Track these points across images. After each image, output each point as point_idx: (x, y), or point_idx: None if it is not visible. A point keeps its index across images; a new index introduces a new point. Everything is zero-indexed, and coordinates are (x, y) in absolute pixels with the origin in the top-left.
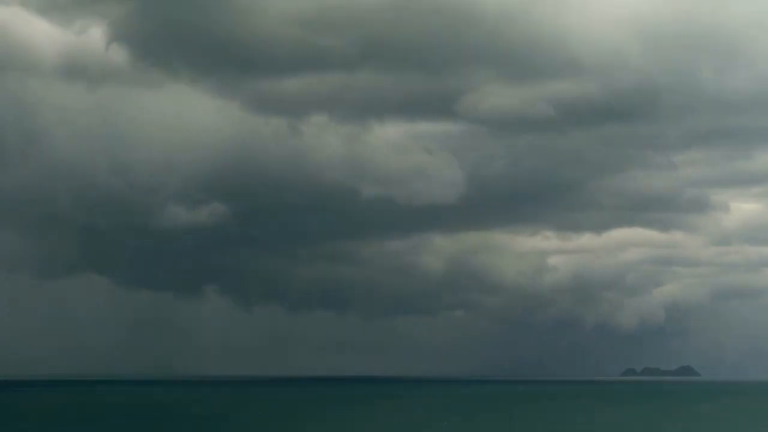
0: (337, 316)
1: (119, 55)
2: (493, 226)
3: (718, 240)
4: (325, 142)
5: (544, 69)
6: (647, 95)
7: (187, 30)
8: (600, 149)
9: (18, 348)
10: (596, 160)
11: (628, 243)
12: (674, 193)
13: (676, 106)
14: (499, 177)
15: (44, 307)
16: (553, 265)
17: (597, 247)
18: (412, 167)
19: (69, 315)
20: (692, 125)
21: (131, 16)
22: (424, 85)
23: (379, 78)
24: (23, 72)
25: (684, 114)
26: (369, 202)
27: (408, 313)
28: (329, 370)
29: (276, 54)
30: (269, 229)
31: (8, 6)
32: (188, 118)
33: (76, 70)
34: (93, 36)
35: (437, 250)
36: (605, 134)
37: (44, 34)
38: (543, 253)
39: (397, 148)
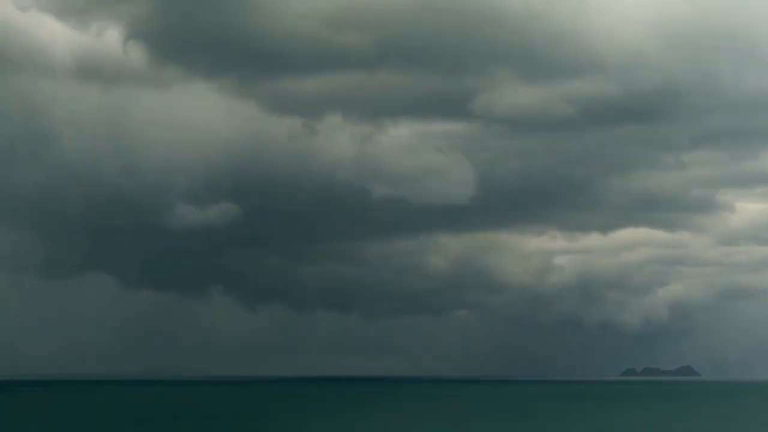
0: (341, 316)
1: (136, 54)
2: (501, 226)
3: (724, 240)
4: (338, 142)
5: (563, 68)
6: (667, 95)
7: (205, 29)
8: (615, 149)
9: (24, 348)
10: (609, 159)
11: (634, 243)
12: (681, 193)
13: (693, 106)
14: (510, 177)
15: (51, 306)
16: (559, 265)
17: (603, 247)
18: (423, 167)
19: (75, 314)
20: (707, 125)
21: (148, 15)
22: (441, 85)
23: (396, 77)
24: (39, 73)
25: (701, 114)
26: (379, 202)
27: (413, 312)
28: (333, 369)
29: (294, 53)
30: (278, 229)
31: (26, 11)
32: (202, 118)
33: (92, 71)
34: (109, 38)
35: (444, 250)
36: (622, 134)
37: (61, 37)
38: (549, 253)
39: (410, 149)
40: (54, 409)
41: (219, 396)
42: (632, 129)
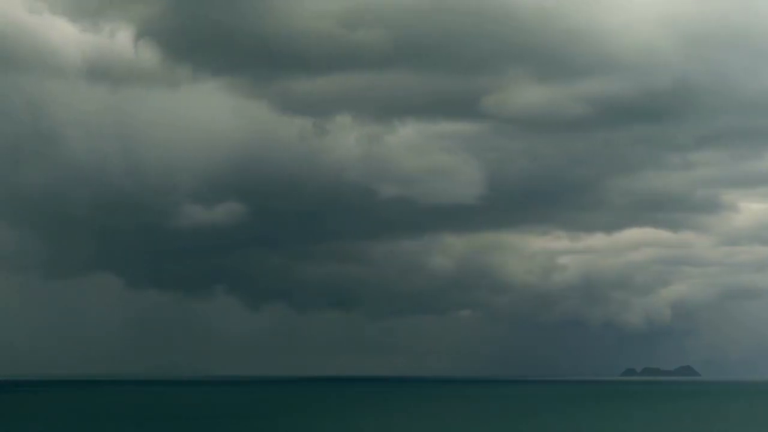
0: (345, 316)
1: (148, 54)
2: (507, 225)
3: (727, 240)
4: (346, 142)
5: (575, 67)
6: (678, 95)
7: (218, 28)
8: (623, 149)
9: (28, 348)
10: (616, 159)
11: (638, 243)
12: (686, 193)
13: (703, 105)
14: (518, 177)
15: (56, 306)
16: (562, 265)
17: (607, 247)
18: (431, 167)
19: (80, 314)
20: (716, 125)
21: (161, 14)
22: (452, 85)
23: (407, 77)
24: (49, 75)
25: (710, 114)
26: (386, 203)
27: (416, 312)
28: (336, 369)
29: (307, 52)
30: (284, 228)
31: (40, 14)
32: (212, 118)
33: (102, 71)
34: (121, 38)
35: (448, 250)
36: (632, 134)
37: (72, 38)
38: (553, 253)
39: (418, 149)
40: (56, 409)
41: (222, 396)
42: (643, 129)
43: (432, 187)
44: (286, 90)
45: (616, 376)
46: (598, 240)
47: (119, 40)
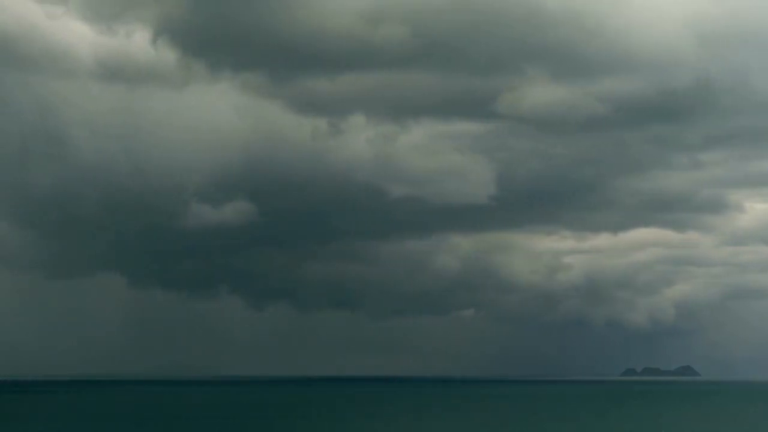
0: (349, 316)
1: (165, 53)
2: (514, 226)
3: (732, 240)
4: (358, 142)
5: (593, 66)
6: (698, 94)
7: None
8: (637, 148)
9: (31, 348)
10: (629, 158)
11: (644, 243)
12: (692, 193)
13: (722, 105)
14: (527, 177)
15: (61, 306)
16: (567, 264)
17: (613, 247)
18: (442, 168)
19: (85, 314)
20: (732, 125)
21: (178, 13)
22: (469, 84)
23: (424, 76)
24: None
25: (728, 113)
26: (396, 202)
27: (420, 312)
28: (340, 369)
29: (324, 51)
30: (292, 228)
31: (57, 20)
32: (225, 118)
33: (119, 72)
34: (138, 38)
35: (455, 250)
36: (646, 134)
37: (88, 40)
38: (559, 253)
39: (430, 149)
40: (58, 410)
41: (226, 396)
42: (657, 129)
43: (442, 187)
44: (302, 89)
45: (616, 375)
46: (603, 240)
47: (135, 40)
